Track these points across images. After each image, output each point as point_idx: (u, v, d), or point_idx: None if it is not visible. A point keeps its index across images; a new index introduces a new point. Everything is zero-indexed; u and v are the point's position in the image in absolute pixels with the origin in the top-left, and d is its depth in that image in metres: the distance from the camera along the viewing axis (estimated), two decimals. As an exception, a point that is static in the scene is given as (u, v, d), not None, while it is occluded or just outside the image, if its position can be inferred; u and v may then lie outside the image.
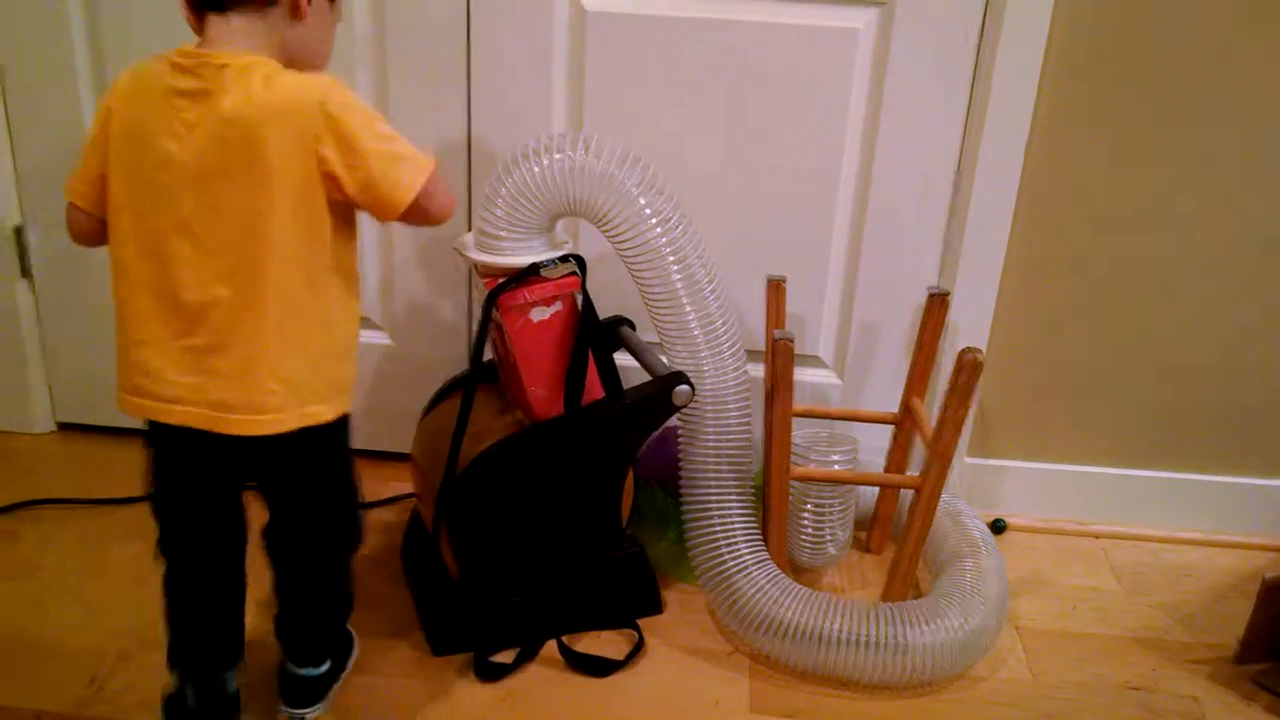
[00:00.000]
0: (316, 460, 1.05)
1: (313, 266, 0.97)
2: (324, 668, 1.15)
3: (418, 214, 0.99)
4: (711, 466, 1.29)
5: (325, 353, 1.00)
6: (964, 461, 1.61)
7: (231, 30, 0.94)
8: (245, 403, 0.96)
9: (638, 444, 1.28)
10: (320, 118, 0.91)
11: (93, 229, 1.01)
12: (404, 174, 0.95)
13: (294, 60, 0.98)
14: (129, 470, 1.64)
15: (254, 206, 0.92)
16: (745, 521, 1.29)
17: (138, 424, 1.70)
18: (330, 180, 0.94)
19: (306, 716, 1.14)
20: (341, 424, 1.04)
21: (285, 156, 0.92)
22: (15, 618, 1.28)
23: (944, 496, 1.34)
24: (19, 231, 1.61)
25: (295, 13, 0.96)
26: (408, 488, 1.57)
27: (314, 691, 1.15)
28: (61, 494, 1.54)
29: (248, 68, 0.92)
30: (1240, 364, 1.54)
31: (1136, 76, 1.40)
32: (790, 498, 1.34)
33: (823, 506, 1.40)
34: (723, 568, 1.28)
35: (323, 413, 1.00)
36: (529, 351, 1.20)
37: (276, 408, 0.97)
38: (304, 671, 1.14)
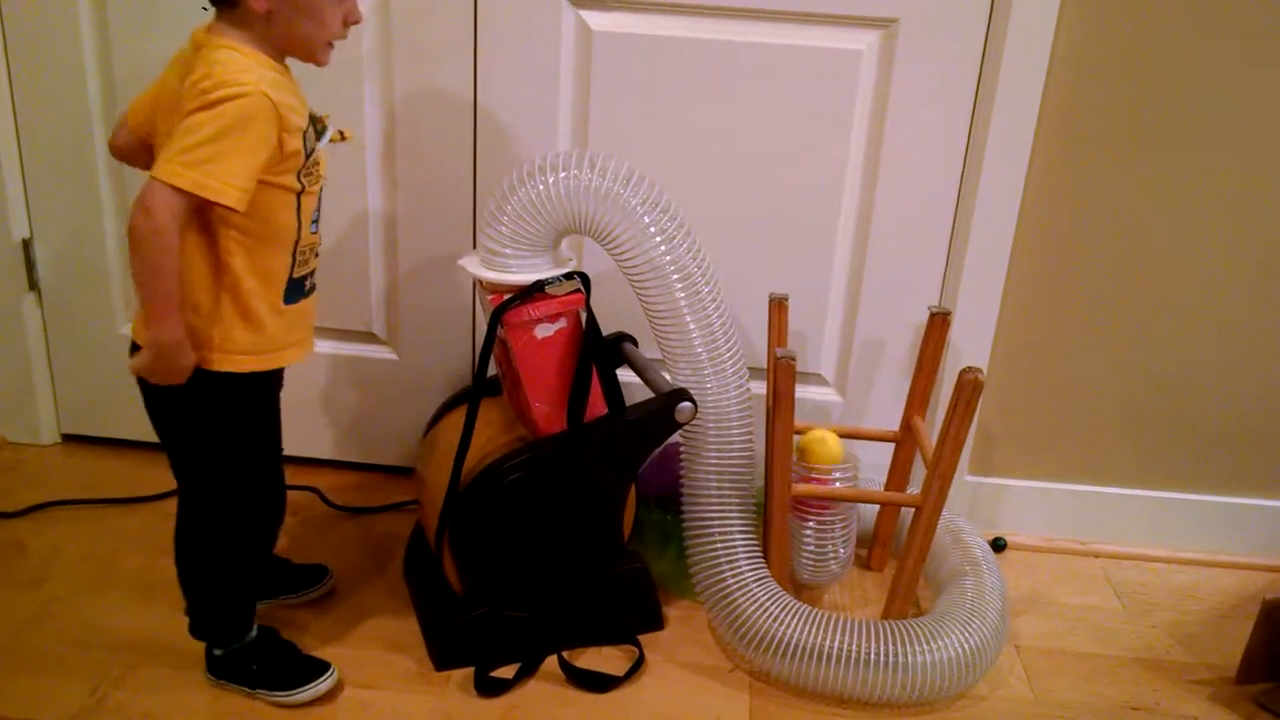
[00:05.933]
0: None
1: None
2: (205, 644, 1.20)
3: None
4: (713, 483, 1.29)
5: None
6: (965, 480, 1.62)
7: (223, 24, 1.05)
8: None
9: (640, 460, 1.29)
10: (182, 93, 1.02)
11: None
12: (163, 164, 0.99)
13: (285, 49, 1.08)
14: (134, 481, 1.65)
15: None
16: (746, 538, 1.29)
17: (142, 436, 1.70)
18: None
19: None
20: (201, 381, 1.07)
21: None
22: (20, 627, 1.28)
23: (945, 515, 1.34)
24: (27, 244, 1.62)
25: (256, 10, 1.04)
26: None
27: (209, 660, 1.20)
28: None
29: (205, 49, 1.04)
30: (1243, 385, 1.54)
31: (1138, 99, 1.41)
32: (791, 515, 1.35)
33: (824, 524, 1.40)
34: (724, 584, 1.28)
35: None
36: (533, 368, 1.21)
37: None
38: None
